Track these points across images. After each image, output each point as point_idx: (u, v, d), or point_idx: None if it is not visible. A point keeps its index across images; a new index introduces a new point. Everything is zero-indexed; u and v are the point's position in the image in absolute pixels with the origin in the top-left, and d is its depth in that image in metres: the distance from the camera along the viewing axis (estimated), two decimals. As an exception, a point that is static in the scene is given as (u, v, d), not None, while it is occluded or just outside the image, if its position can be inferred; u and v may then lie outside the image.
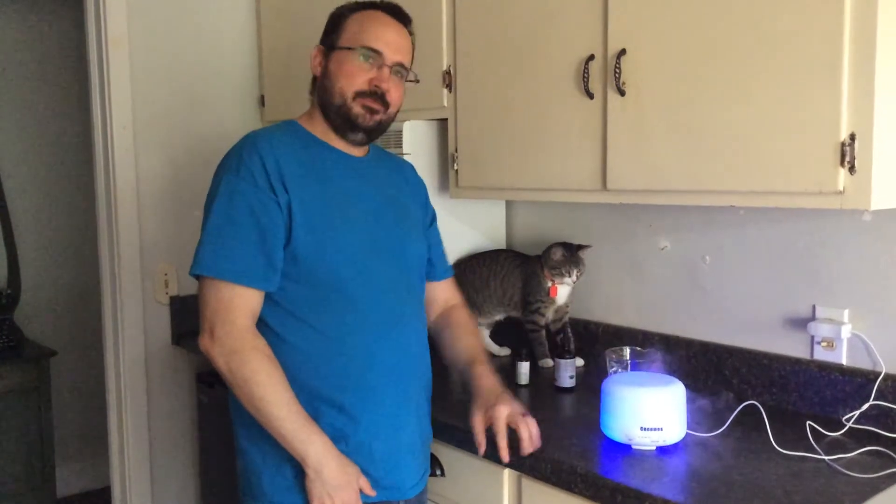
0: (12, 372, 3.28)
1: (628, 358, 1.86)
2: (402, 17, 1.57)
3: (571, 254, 2.12)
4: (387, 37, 1.51)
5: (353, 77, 1.50)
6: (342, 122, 1.52)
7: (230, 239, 1.41)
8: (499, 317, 2.28)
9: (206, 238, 1.43)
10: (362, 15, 1.54)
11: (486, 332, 2.33)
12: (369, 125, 1.53)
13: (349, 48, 1.50)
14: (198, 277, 1.45)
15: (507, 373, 2.13)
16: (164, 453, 2.79)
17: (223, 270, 1.41)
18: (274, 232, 1.42)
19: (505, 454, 1.48)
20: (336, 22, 1.55)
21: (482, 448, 1.50)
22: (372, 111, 1.51)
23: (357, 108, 1.51)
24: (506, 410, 1.49)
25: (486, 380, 1.57)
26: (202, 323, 1.43)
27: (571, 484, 1.45)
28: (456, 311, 1.77)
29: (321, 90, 1.54)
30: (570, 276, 2.11)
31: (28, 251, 3.66)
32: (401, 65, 1.53)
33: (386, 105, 1.52)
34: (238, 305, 1.41)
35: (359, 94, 1.50)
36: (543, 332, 2.18)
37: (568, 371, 1.95)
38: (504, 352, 2.30)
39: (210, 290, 1.42)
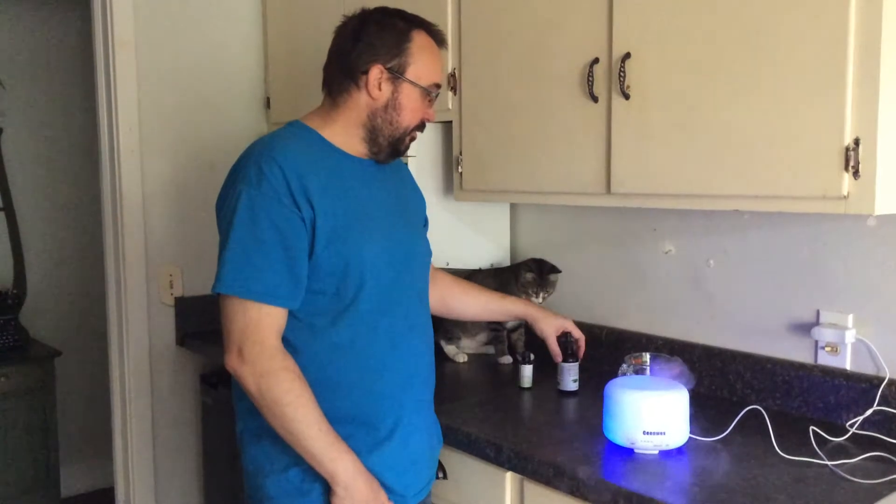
0: (18, 372, 3.29)
1: (648, 363, 1.80)
2: (445, 44, 1.58)
3: (542, 277, 2.18)
4: (441, 73, 1.55)
5: (416, 114, 1.53)
6: (391, 150, 1.54)
7: (256, 257, 1.38)
8: (482, 335, 2.30)
9: (229, 255, 1.40)
10: (423, 42, 1.51)
11: (462, 356, 2.33)
12: (406, 152, 1.58)
13: (423, 88, 1.50)
14: (219, 294, 1.42)
15: (510, 376, 2.14)
16: (168, 453, 2.80)
17: (251, 290, 1.38)
18: (299, 248, 1.40)
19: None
20: (398, 45, 1.48)
21: (560, 357, 1.90)
22: (412, 140, 1.56)
23: (407, 141, 1.55)
24: (562, 320, 1.89)
25: (522, 302, 1.95)
26: (227, 342, 1.41)
27: (574, 488, 1.45)
28: (440, 274, 1.87)
29: (382, 118, 1.50)
30: (536, 298, 2.18)
31: (34, 252, 3.68)
32: None
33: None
34: (267, 325, 1.39)
35: (415, 128, 1.54)
36: (505, 332, 2.28)
37: (571, 375, 1.95)
38: (506, 360, 2.29)
39: (236, 309, 1.39)
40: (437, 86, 1.54)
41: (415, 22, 1.52)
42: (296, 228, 1.40)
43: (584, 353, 1.92)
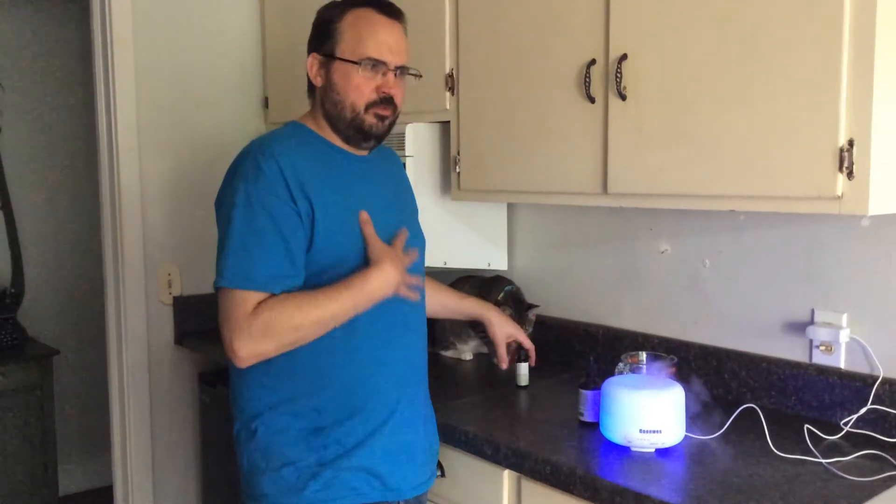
0: (15, 371, 3.29)
1: (644, 362, 1.80)
2: (395, 13, 1.53)
3: (521, 314, 2.15)
4: (387, 42, 1.49)
5: (361, 90, 1.48)
6: (355, 133, 1.52)
7: (255, 249, 1.39)
8: (473, 341, 2.30)
9: (230, 250, 1.40)
10: (355, 18, 1.49)
11: (469, 353, 2.34)
12: (381, 132, 1.53)
13: (353, 62, 1.47)
14: (219, 289, 1.42)
15: (507, 375, 2.15)
16: (166, 452, 2.81)
17: (251, 282, 1.38)
18: (296, 241, 1.41)
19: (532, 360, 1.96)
20: (327, 27, 1.50)
21: (506, 364, 1.90)
22: (382, 118, 1.52)
23: (370, 119, 1.50)
24: (515, 328, 1.91)
25: (479, 304, 1.93)
26: (226, 333, 1.39)
27: (570, 485, 1.46)
28: None
29: (328, 102, 1.50)
30: None
31: (32, 250, 3.68)
32: (402, 67, 1.53)
33: (394, 107, 1.53)
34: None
35: (370, 105, 1.49)
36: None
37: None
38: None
39: (236, 301, 1.39)
40: (372, 58, 1.47)
41: (354, 3, 1.50)
42: (292, 222, 1.41)
43: (537, 357, 1.97)
